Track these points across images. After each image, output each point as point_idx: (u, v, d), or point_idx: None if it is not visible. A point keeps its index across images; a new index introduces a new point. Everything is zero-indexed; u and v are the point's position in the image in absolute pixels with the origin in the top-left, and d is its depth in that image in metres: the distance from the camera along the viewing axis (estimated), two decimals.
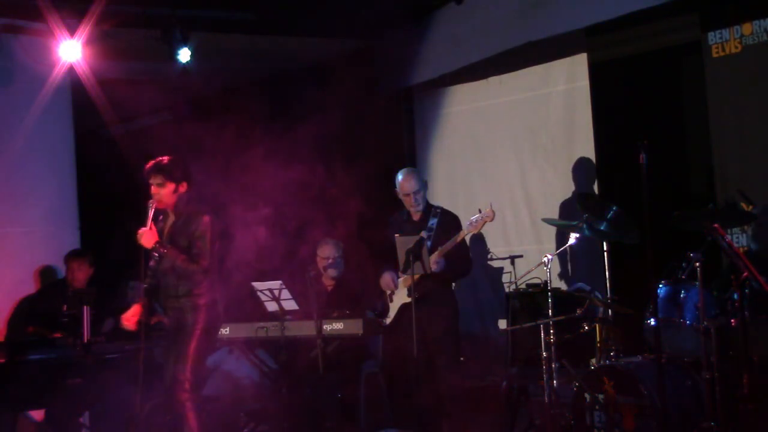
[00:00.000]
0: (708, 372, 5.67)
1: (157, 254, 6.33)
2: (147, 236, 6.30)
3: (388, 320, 7.01)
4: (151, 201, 6.39)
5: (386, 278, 6.99)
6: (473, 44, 8.33)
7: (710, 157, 7.35)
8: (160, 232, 6.43)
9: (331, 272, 7.92)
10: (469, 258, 7.03)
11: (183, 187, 6.41)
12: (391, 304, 7.01)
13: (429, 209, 6.98)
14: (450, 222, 6.90)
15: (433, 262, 6.62)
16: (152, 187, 6.40)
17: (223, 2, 8.25)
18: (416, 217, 7.00)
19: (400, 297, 6.93)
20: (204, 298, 6.35)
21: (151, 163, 6.41)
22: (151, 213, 6.35)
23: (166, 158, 6.42)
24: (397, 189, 7.01)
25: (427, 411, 6.88)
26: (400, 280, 6.90)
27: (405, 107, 9.63)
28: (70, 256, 7.93)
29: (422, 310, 6.54)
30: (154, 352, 6.95)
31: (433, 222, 6.88)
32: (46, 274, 8.27)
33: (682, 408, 5.85)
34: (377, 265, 7.20)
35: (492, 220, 6.55)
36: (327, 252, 7.95)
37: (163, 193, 6.37)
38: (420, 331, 6.46)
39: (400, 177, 7.00)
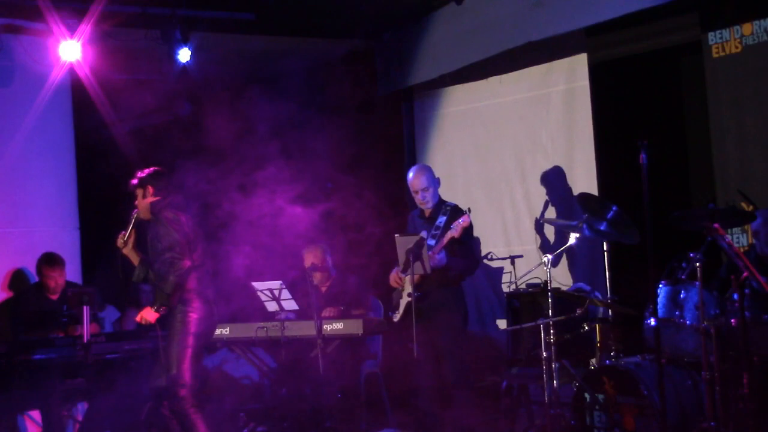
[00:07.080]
0: (708, 372, 5.67)
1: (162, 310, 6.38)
2: (147, 315, 6.36)
3: (398, 316, 6.94)
4: (135, 211, 6.58)
5: (393, 275, 6.94)
6: (473, 44, 8.32)
7: (710, 157, 7.35)
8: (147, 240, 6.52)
9: (319, 275, 7.88)
10: (474, 256, 6.97)
11: (149, 191, 6.50)
12: (401, 300, 6.92)
13: (440, 206, 6.91)
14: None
15: (432, 256, 6.58)
16: None
17: (223, 2, 8.25)
18: (428, 213, 6.96)
19: (406, 295, 6.87)
20: (192, 295, 6.32)
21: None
22: (132, 221, 6.54)
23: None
24: (409, 186, 6.98)
25: (428, 411, 6.87)
26: (407, 277, 6.84)
27: (405, 107, 9.62)
28: (49, 264, 7.71)
29: (428, 310, 6.54)
30: None
31: (441, 220, 6.79)
32: (20, 276, 8.12)
33: (682, 408, 5.85)
34: (381, 263, 7.18)
35: (467, 225, 6.55)
36: (309, 259, 7.93)
37: (137, 203, 6.57)
38: (424, 332, 6.43)
39: (410, 174, 6.97)
